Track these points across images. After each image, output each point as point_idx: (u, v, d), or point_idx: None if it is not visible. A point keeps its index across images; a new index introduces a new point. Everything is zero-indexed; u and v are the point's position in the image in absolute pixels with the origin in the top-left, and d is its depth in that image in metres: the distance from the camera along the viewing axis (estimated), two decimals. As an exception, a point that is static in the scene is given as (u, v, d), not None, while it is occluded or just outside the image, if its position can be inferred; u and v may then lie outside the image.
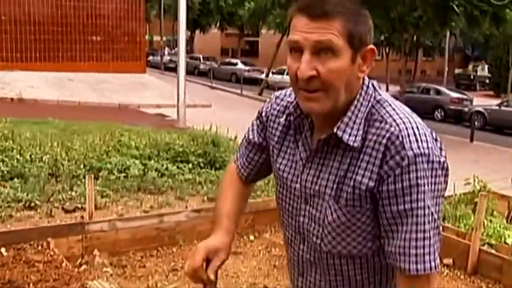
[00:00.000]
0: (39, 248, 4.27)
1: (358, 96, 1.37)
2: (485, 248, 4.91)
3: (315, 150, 1.42)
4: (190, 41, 44.46)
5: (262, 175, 1.74)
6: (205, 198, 6.53)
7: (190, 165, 7.61)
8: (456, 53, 47.58)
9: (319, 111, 1.36)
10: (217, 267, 1.51)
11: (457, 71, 42.28)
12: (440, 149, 1.34)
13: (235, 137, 8.83)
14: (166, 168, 7.32)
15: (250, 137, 1.66)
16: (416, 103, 22.68)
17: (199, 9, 42.65)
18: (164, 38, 45.21)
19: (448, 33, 31.90)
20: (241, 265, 4.89)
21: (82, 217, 5.17)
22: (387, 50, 35.13)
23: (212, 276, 1.47)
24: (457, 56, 48.74)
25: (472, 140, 16.10)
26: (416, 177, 1.28)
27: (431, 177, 1.30)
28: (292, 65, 1.32)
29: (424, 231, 1.30)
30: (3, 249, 4.20)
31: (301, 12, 1.30)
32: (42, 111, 14.36)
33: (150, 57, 42.21)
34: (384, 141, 1.31)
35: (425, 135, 1.31)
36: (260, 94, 26.32)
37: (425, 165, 1.28)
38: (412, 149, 1.28)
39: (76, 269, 4.28)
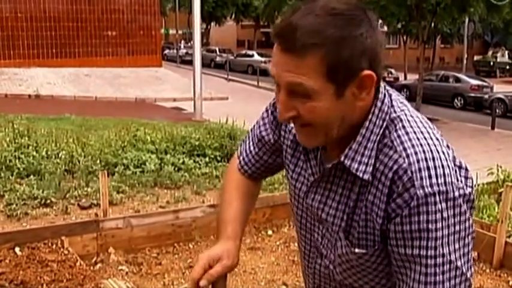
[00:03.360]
0: (54, 246, 4.21)
1: (370, 116, 1.15)
2: (511, 240, 4.76)
3: (321, 175, 1.24)
4: (206, 34, 44.40)
5: (270, 174, 1.56)
6: (222, 192, 6.45)
7: (207, 158, 7.56)
8: (475, 39, 46.83)
9: (312, 146, 1.23)
10: (221, 275, 1.33)
11: (476, 57, 41.64)
12: (466, 177, 1.13)
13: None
14: (183, 163, 7.26)
15: (263, 133, 1.45)
16: (435, 91, 22.48)
17: (214, 1, 42.54)
18: (180, 31, 45.21)
19: (466, 20, 31.36)
20: (259, 261, 4.79)
21: (96, 214, 5.11)
22: (405, 38, 34.63)
23: (204, 282, 1.29)
24: (476, 42, 47.99)
25: (493, 127, 15.88)
26: (427, 221, 1.06)
27: (452, 217, 1.07)
28: (276, 96, 1.16)
29: (436, 283, 1.08)
30: (17, 249, 4.16)
31: (275, 40, 1.10)
32: (59, 107, 14.40)
33: (166, 51, 42.29)
34: (390, 174, 1.10)
35: (443, 167, 1.08)
36: (277, 85, 26.13)
37: (441, 205, 1.06)
38: (423, 187, 1.06)
39: (90, 268, 4.23)
